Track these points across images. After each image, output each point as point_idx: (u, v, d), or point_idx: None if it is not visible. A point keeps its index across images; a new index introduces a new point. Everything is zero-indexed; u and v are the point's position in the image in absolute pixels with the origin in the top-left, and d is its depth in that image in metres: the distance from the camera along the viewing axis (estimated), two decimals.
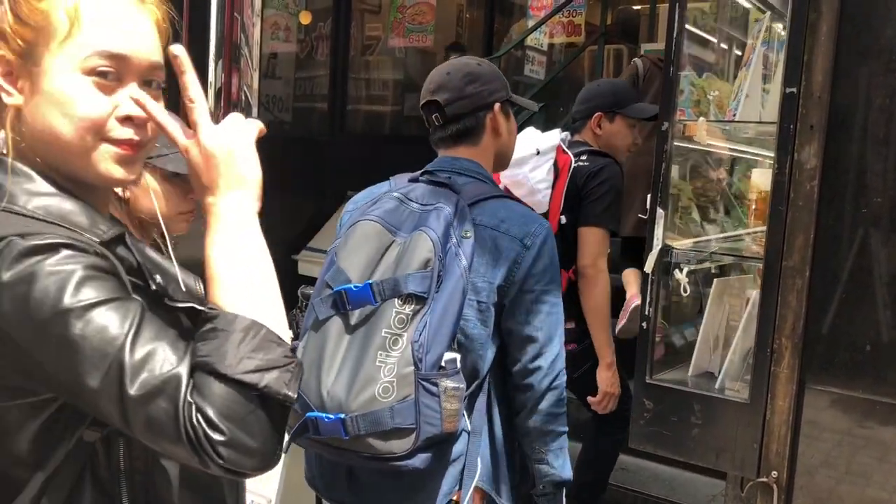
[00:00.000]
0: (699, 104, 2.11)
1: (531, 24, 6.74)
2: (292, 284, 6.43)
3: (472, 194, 1.65)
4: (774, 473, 1.65)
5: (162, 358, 0.81)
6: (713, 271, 2.13)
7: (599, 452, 2.85)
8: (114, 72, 0.90)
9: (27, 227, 0.84)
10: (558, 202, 2.53)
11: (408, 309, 1.49)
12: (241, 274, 0.87)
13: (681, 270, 1.80)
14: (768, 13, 1.84)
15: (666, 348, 2.04)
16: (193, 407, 0.80)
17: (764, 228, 1.74)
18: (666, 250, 1.82)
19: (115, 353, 0.80)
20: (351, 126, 7.61)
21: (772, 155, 1.82)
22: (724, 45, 2.47)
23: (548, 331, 1.62)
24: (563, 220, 2.53)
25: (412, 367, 1.47)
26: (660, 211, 1.78)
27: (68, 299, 0.80)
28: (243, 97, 7.78)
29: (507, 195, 1.81)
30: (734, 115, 1.83)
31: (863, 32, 1.56)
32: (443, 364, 1.51)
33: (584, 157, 2.58)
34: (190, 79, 0.92)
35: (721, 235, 1.88)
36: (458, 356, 1.53)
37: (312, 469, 1.73)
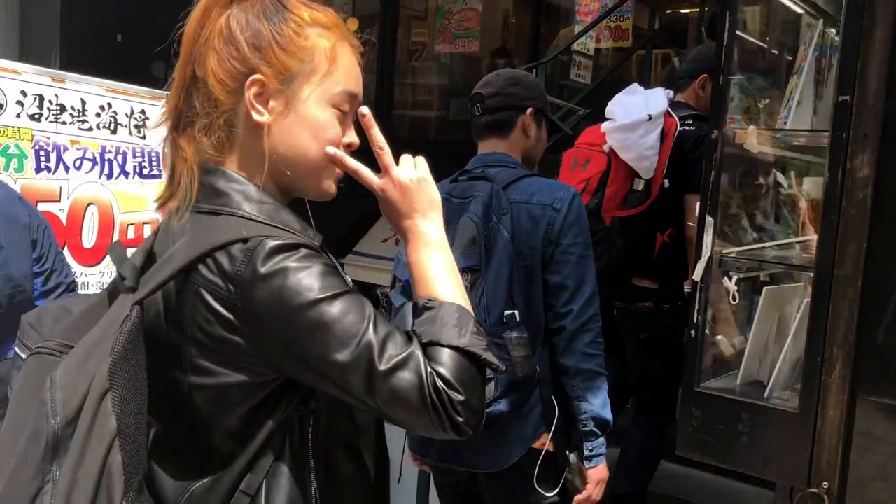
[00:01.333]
0: (749, 111, 2.10)
1: (578, 29, 6.74)
2: None
3: (504, 178, 1.92)
4: (825, 484, 1.63)
5: (398, 338, 0.99)
6: (762, 279, 2.12)
7: (643, 456, 2.85)
8: (348, 108, 1.11)
9: (266, 231, 1.00)
10: (662, 166, 2.61)
11: (465, 281, 1.68)
12: (448, 274, 1.08)
13: (730, 278, 1.79)
14: (821, 19, 1.83)
15: (714, 357, 2.04)
16: (434, 374, 0.97)
17: (814, 237, 1.73)
18: (715, 258, 1.81)
19: (362, 334, 0.97)
20: (397, 131, 7.67)
21: (823, 162, 1.81)
22: (775, 51, 2.45)
23: (577, 278, 1.87)
24: (666, 183, 2.58)
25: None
26: (709, 219, 1.78)
27: (318, 289, 0.97)
28: None
29: (536, 174, 2.01)
30: (785, 123, 1.82)
31: None
32: (504, 319, 1.79)
33: (689, 122, 2.65)
34: (376, 132, 1.12)
35: (771, 244, 1.87)
36: (516, 311, 1.81)
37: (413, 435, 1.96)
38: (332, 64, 1.08)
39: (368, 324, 0.98)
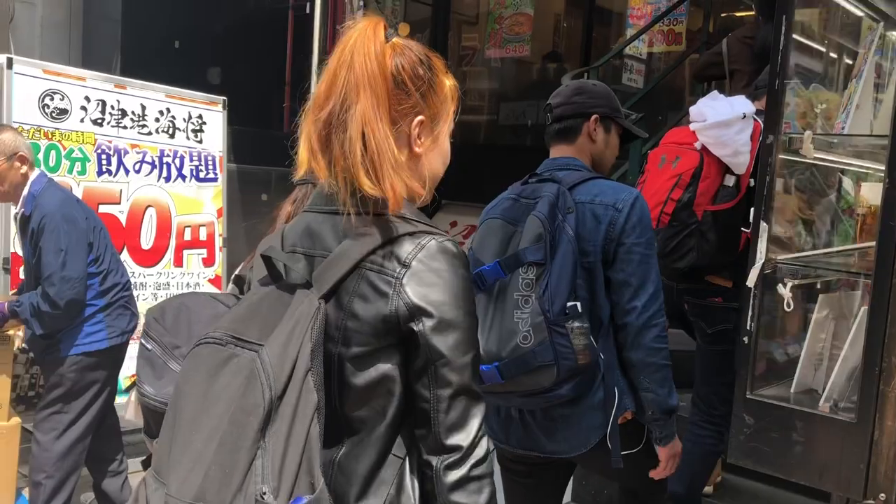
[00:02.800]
0: (805, 116, 2.07)
1: (630, 33, 6.68)
2: None
3: (570, 180, 2.06)
4: (882, 496, 1.60)
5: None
6: (818, 287, 2.08)
7: (699, 454, 2.84)
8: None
9: (424, 228, 1.20)
10: (750, 166, 2.66)
11: (531, 274, 1.93)
12: None
13: (784, 285, 1.77)
14: (882, 23, 1.79)
15: (768, 364, 2.01)
16: None
17: (873, 244, 1.70)
18: (769, 264, 1.79)
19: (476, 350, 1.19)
20: None
21: (883, 168, 1.78)
22: (833, 55, 2.41)
23: (641, 276, 1.97)
24: (752, 182, 2.64)
25: (542, 317, 1.89)
26: (763, 224, 1.76)
27: (464, 294, 1.18)
28: None
29: (601, 176, 2.14)
30: (843, 128, 1.79)
31: None
32: (567, 311, 1.92)
33: None
34: None
35: (827, 250, 1.83)
36: (578, 303, 1.93)
37: (492, 424, 2.10)
38: (454, 103, 1.30)
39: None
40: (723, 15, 6.36)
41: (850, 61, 2.32)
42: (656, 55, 6.80)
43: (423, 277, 1.15)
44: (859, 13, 1.99)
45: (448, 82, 1.29)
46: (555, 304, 1.92)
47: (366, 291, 1.17)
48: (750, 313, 1.78)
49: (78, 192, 3.83)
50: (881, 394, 1.61)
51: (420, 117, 1.25)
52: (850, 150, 1.88)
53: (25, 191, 2.88)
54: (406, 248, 1.17)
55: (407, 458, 1.20)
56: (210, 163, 4.47)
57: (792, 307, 1.78)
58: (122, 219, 4.06)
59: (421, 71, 1.25)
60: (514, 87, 7.81)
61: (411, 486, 1.20)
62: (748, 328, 1.78)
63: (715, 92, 2.93)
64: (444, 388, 1.16)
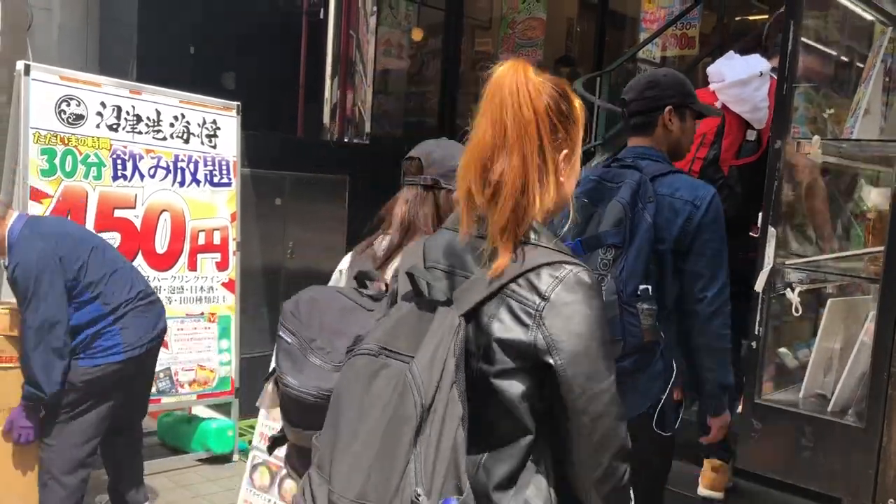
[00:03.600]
0: (815, 121, 2.07)
1: (643, 37, 6.68)
2: None
3: (652, 171, 2.19)
4: (892, 501, 1.60)
5: None
6: (829, 291, 2.08)
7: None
8: None
9: (559, 258, 1.26)
10: (769, 120, 2.75)
11: (609, 256, 2.07)
12: None
13: (793, 290, 1.77)
14: (891, 27, 1.79)
15: (778, 369, 2.01)
16: None
17: (878, 249, 1.70)
18: (778, 270, 1.79)
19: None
20: (460, 140, 7.70)
21: (891, 172, 1.78)
22: (844, 59, 2.41)
23: (713, 269, 2.09)
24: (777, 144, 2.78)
25: (616, 296, 2.03)
26: (771, 229, 1.76)
27: (599, 326, 1.26)
28: (357, 113, 8.04)
29: (681, 171, 2.28)
30: (851, 133, 1.79)
31: None
32: (638, 292, 2.05)
33: None
34: None
35: (835, 255, 1.83)
36: (649, 287, 2.06)
37: None
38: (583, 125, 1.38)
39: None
40: (737, 19, 6.34)
41: (861, 65, 2.32)
42: (670, 59, 6.79)
43: (562, 311, 1.24)
44: (869, 17, 1.99)
45: (578, 104, 1.36)
46: (628, 285, 2.06)
47: (505, 318, 1.26)
48: (758, 318, 1.78)
49: (94, 197, 3.87)
50: (889, 399, 1.61)
51: (566, 151, 1.34)
52: (861, 154, 1.88)
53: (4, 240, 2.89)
54: (545, 281, 1.24)
55: (545, 467, 1.30)
56: (224, 167, 4.51)
57: (800, 312, 1.78)
58: (137, 223, 4.09)
59: (563, 106, 1.32)
60: None
61: (548, 489, 1.30)
62: (756, 333, 1.78)
63: (731, 52, 3.07)
64: (582, 415, 1.25)
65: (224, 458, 4.47)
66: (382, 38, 8.10)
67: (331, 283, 2.17)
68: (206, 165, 4.38)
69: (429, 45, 8.16)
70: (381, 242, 2.05)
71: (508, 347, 1.25)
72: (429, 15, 8.22)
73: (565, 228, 1.54)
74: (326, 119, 7.98)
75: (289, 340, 1.73)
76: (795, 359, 2.06)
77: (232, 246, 4.49)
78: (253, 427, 4.63)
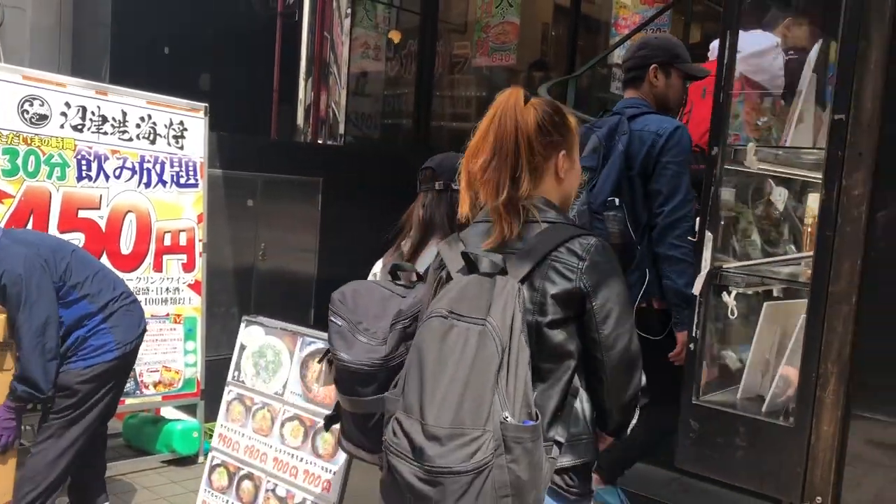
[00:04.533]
0: (759, 128, 2.11)
1: (615, 41, 6.75)
2: None
3: (630, 113, 2.78)
4: (819, 499, 1.64)
5: None
6: (776, 295, 2.12)
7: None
8: None
9: (583, 232, 1.69)
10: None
11: (584, 176, 2.54)
12: None
13: (729, 293, 1.81)
14: (820, 40, 1.84)
15: (720, 370, 2.05)
16: None
17: (808, 254, 1.74)
18: (716, 273, 1.84)
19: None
20: (435, 142, 7.75)
21: (806, 177, 1.83)
22: (791, 68, 2.46)
23: (670, 187, 2.60)
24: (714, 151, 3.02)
25: (586, 206, 2.63)
26: (708, 234, 1.80)
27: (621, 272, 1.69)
28: (331, 114, 8.05)
29: (651, 111, 2.78)
30: (786, 141, 1.84)
31: None
32: (606, 203, 2.61)
33: None
34: None
35: (772, 259, 1.88)
36: (616, 199, 2.60)
37: None
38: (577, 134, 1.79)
39: None
40: (706, 24, 6.42)
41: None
42: None
43: (596, 268, 1.64)
44: (804, 28, 2.04)
45: (573, 120, 1.78)
46: (598, 198, 2.64)
47: (555, 277, 1.65)
48: (696, 320, 1.82)
49: (57, 198, 3.86)
50: (818, 400, 1.65)
51: (563, 151, 1.75)
52: (798, 161, 1.93)
53: None
54: (579, 247, 1.65)
55: (580, 399, 1.68)
56: (191, 169, 4.50)
57: (735, 314, 1.82)
58: (102, 224, 4.08)
59: (556, 118, 1.73)
60: None
61: (583, 415, 1.68)
62: (694, 335, 1.82)
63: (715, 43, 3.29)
64: (611, 350, 1.64)
65: (189, 460, 4.46)
66: (359, 41, 8.13)
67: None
68: (172, 166, 4.37)
69: (404, 48, 8.19)
70: (406, 243, 2.39)
71: (559, 299, 1.64)
72: (405, 18, 8.26)
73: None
74: (300, 120, 7.99)
75: (339, 323, 2.06)
76: (739, 360, 2.10)
77: (198, 247, 4.48)
78: None
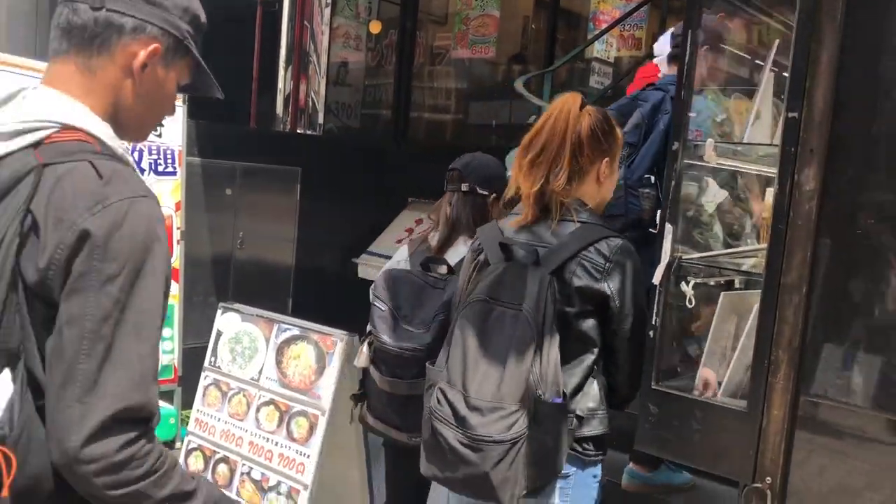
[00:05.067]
0: (723, 124, 2.19)
1: (592, 35, 6.83)
2: (352, 286, 6.57)
3: (674, 91, 2.53)
4: (769, 479, 1.72)
5: None
6: (738, 286, 2.20)
7: None
8: None
9: (612, 233, 1.89)
10: None
11: (625, 151, 2.60)
12: None
13: (687, 283, 1.89)
14: (777, 41, 1.92)
15: (681, 356, 2.13)
16: None
17: (762, 246, 1.83)
18: (676, 263, 1.91)
19: None
20: (413, 134, 7.78)
21: (762, 172, 1.91)
22: (759, 64, 2.54)
23: None
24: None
25: (623, 181, 2.71)
26: (668, 226, 1.87)
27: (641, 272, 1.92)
28: (310, 103, 8.06)
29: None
30: (744, 137, 1.91)
31: (862, 63, 1.63)
32: (642, 180, 2.75)
33: None
34: None
35: (729, 252, 1.96)
36: (652, 177, 2.73)
37: None
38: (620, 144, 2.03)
39: None
40: (681, 19, 6.48)
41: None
42: (622, 59, 6.93)
43: (619, 270, 1.84)
44: (763, 23, 2.12)
45: (619, 131, 1.98)
46: (635, 174, 2.80)
47: (581, 274, 1.85)
48: (655, 309, 1.89)
49: None
50: (769, 385, 1.73)
51: (606, 159, 1.94)
52: (755, 156, 2.01)
53: None
54: (606, 249, 1.85)
55: (598, 380, 1.90)
56: (169, 157, 4.52)
57: (693, 304, 1.90)
58: None
59: (606, 127, 1.92)
60: (481, 87, 7.91)
61: (600, 393, 1.90)
62: (654, 323, 1.89)
63: (672, 29, 3.52)
64: (627, 341, 1.88)
65: (166, 446, 4.51)
66: (340, 31, 8.14)
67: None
68: (150, 154, 4.39)
69: (385, 38, 8.21)
70: (434, 237, 2.52)
71: (584, 294, 1.85)
72: (385, 8, 8.27)
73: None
74: (279, 109, 8.00)
75: (382, 308, 2.27)
76: (699, 349, 2.18)
77: (176, 235, 4.51)
78: None
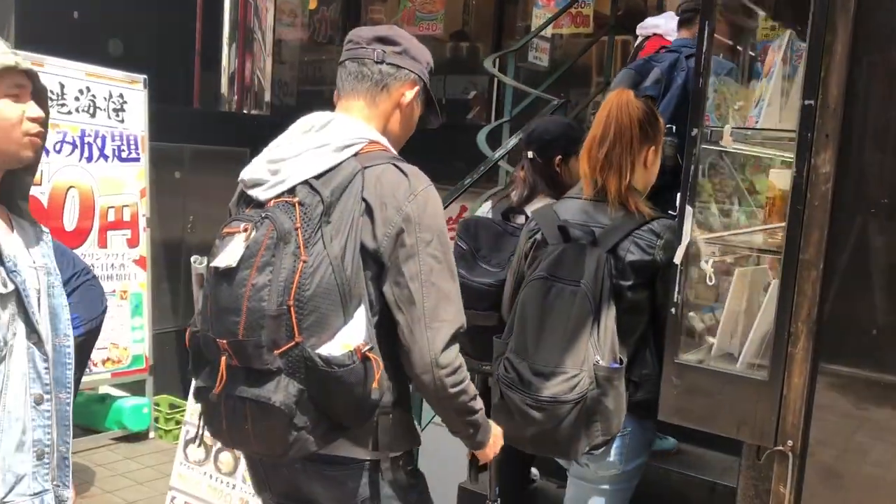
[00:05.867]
0: (719, 108, 2.29)
1: (537, 12, 6.92)
2: None
3: (687, 52, 3.27)
4: (790, 442, 1.85)
5: None
6: (729, 262, 2.33)
7: None
8: None
9: (660, 214, 2.22)
10: None
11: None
12: None
13: (706, 262, 2.00)
14: (790, 31, 2.03)
15: (686, 331, 2.24)
16: None
17: (780, 224, 1.94)
18: (693, 243, 2.01)
19: None
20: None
21: (786, 157, 2.03)
22: (739, 52, 2.66)
23: None
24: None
25: None
26: (688, 208, 1.97)
27: None
28: (256, 81, 7.92)
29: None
30: (756, 122, 2.02)
31: (873, 53, 1.75)
32: (668, 126, 2.71)
33: None
34: None
35: (743, 231, 2.07)
36: (673, 126, 2.86)
37: None
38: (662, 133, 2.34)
39: None
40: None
41: (752, 54, 2.58)
42: (560, 35, 7.03)
43: (669, 245, 2.05)
44: (761, 13, 2.23)
45: (662, 122, 2.25)
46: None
47: (635, 250, 2.10)
48: (677, 287, 2.00)
49: None
50: (789, 355, 1.86)
51: (653, 147, 2.22)
52: (758, 140, 2.12)
53: None
54: (656, 227, 2.13)
55: (649, 349, 2.14)
56: (132, 142, 4.43)
57: (714, 281, 2.01)
58: (44, 200, 3.99)
59: (653, 118, 2.20)
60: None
61: (651, 359, 2.13)
62: (675, 301, 2.00)
63: (671, 12, 4.04)
64: (663, 308, 2.04)
65: (140, 436, 4.46)
66: (285, 8, 8.00)
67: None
68: (113, 140, 4.29)
69: (328, 15, 8.12)
70: (515, 194, 2.84)
71: (637, 268, 2.08)
72: None
73: None
74: (224, 89, 7.84)
75: (463, 247, 2.55)
76: (702, 321, 2.30)
77: (142, 222, 4.43)
78: (169, 404, 4.62)
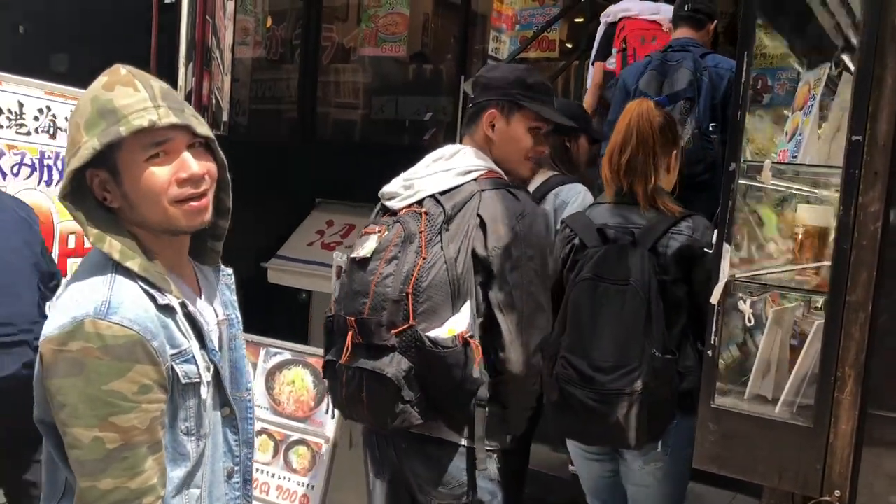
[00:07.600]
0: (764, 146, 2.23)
1: (497, 36, 6.92)
2: (263, 292, 6.33)
3: (698, 52, 3.45)
4: (837, 492, 1.77)
5: None
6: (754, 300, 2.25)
7: None
8: None
9: (690, 212, 2.39)
10: None
11: (687, 105, 3.27)
12: None
13: (744, 302, 1.91)
14: (829, 63, 1.97)
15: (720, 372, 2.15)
16: None
17: (814, 264, 1.88)
18: (730, 282, 1.93)
19: None
20: (321, 132, 7.58)
21: (817, 193, 1.96)
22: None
23: None
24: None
25: (697, 129, 3.23)
26: (726, 246, 1.89)
27: None
28: (214, 100, 7.68)
29: (714, 51, 3.57)
30: (795, 157, 1.96)
31: None
32: (711, 128, 3.24)
33: None
34: None
35: (779, 269, 2.00)
36: (717, 124, 3.21)
37: None
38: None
39: None
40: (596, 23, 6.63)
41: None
42: (531, 60, 7.01)
43: (704, 237, 2.21)
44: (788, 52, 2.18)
45: (678, 127, 2.36)
46: (704, 122, 3.25)
47: (673, 245, 2.23)
48: (713, 329, 1.90)
49: None
50: (836, 401, 1.78)
51: (675, 151, 2.38)
52: (788, 175, 2.06)
53: None
54: (690, 222, 2.26)
55: (690, 342, 2.23)
56: None
57: (753, 322, 1.93)
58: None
59: (673, 126, 2.35)
60: (389, 84, 7.80)
61: (692, 352, 2.22)
62: (713, 342, 1.91)
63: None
64: (700, 295, 2.10)
65: None
66: (239, 26, 7.79)
67: None
68: None
69: (289, 35, 7.96)
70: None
71: (677, 259, 2.19)
72: (290, 4, 8.02)
73: None
74: None
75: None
76: (722, 360, 2.22)
77: None
78: None
